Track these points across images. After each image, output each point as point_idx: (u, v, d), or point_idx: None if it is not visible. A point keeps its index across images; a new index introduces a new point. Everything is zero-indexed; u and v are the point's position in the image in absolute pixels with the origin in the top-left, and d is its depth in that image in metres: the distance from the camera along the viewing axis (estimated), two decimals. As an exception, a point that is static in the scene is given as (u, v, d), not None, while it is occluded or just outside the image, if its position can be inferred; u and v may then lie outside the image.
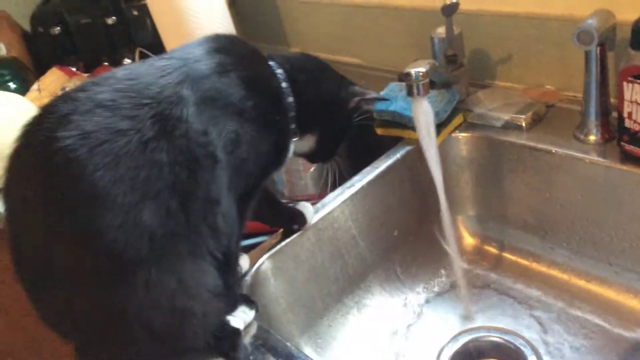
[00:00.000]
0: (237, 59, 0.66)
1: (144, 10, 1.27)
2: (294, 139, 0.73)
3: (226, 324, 0.65)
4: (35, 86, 1.27)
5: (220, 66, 0.63)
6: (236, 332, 0.66)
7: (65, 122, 0.53)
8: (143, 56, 1.28)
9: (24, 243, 0.57)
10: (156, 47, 1.29)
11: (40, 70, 1.35)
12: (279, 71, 0.70)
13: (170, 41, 1.15)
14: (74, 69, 1.36)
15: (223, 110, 0.61)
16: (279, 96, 0.69)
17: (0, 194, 0.58)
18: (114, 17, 1.31)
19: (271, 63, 0.71)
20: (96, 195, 0.51)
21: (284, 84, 0.69)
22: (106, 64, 1.36)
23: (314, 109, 0.72)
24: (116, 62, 1.34)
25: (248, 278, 0.76)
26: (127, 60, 1.32)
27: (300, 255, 0.82)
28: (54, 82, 1.29)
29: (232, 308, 0.67)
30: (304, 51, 1.32)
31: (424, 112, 0.74)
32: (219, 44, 0.67)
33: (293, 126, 0.71)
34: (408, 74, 0.73)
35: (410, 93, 0.74)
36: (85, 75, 1.32)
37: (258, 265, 0.77)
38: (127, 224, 0.52)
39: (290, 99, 0.69)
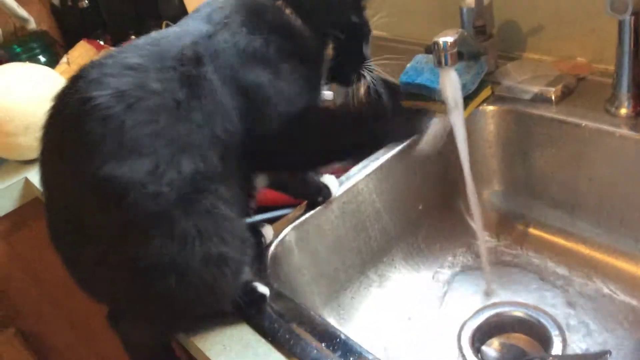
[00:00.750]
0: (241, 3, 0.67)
1: (171, -16, 1.28)
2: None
3: (254, 289, 0.66)
4: (64, 59, 1.29)
5: (227, 17, 0.65)
6: (263, 297, 0.67)
7: (97, 83, 0.55)
8: (169, 29, 1.28)
9: (56, 204, 0.60)
10: (180, 20, 1.29)
11: (69, 44, 1.36)
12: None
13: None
14: (101, 43, 1.38)
15: (237, 59, 0.63)
16: (286, 23, 0.68)
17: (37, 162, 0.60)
18: (142, -10, 1.32)
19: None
20: (136, 148, 0.54)
21: (287, 10, 0.68)
22: (133, 37, 1.37)
23: (324, 19, 0.70)
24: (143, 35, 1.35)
25: (272, 248, 0.77)
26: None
27: (323, 228, 0.83)
28: (82, 55, 1.30)
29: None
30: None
31: (451, 83, 0.73)
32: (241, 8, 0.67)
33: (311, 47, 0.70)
34: (436, 43, 0.72)
35: (438, 63, 0.73)
36: (113, 48, 1.33)
37: (282, 236, 0.78)
38: (167, 174, 0.55)
39: (299, 22, 0.68)
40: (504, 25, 0.97)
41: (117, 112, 0.54)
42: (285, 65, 0.66)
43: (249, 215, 0.71)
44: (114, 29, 1.38)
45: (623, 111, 0.79)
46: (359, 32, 0.74)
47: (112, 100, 0.55)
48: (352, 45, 0.73)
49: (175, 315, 0.63)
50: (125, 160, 0.54)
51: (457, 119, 0.75)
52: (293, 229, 0.79)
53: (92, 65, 0.59)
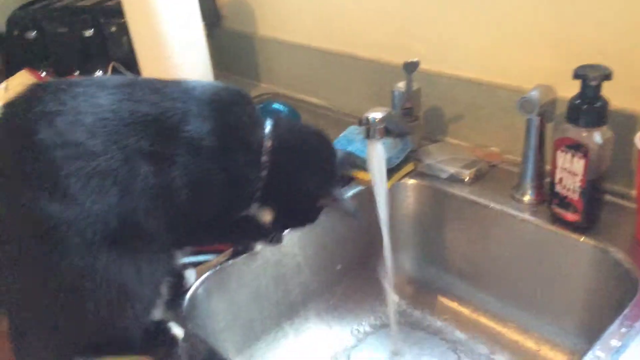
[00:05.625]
0: (214, 124, 0.67)
1: (122, 28, 1.31)
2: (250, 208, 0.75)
3: (167, 329, 0.68)
4: (2, 85, 1.28)
5: (193, 132, 0.65)
6: (175, 339, 0.68)
7: (48, 120, 0.58)
8: (116, 71, 1.31)
9: None
10: (130, 63, 1.32)
11: (10, 72, 1.36)
12: (267, 143, 0.71)
13: (145, 62, 1.19)
14: (43, 75, 1.38)
15: (183, 161, 0.64)
16: (248, 169, 0.70)
17: None
18: (91, 30, 1.34)
19: (266, 130, 0.72)
20: (68, 193, 0.58)
21: (264, 157, 0.71)
22: (77, 73, 1.39)
23: (281, 193, 0.73)
24: (87, 73, 1.36)
25: (191, 291, 0.78)
26: (98, 73, 1.35)
27: (244, 276, 0.85)
28: (21, 84, 1.29)
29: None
30: (273, 89, 1.38)
31: (377, 154, 0.80)
32: (205, 105, 0.68)
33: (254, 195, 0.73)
34: (366, 118, 0.79)
35: (366, 135, 0.80)
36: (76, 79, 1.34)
37: (202, 280, 0.80)
38: (94, 224, 0.59)
39: (264, 174, 0.71)
40: (429, 110, 1.06)
41: (58, 157, 0.57)
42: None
43: (177, 257, 0.74)
44: (59, 64, 1.39)
45: (526, 198, 0.88)
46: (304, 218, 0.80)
47: (56, 146, 0.58)
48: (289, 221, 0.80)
49: (80, 337, 0.64)
50: (57, 201, 0.57)
51: (380, 187, 0.81)
52: (214, 273, 0.82)
53: (53, 95, 0.61)
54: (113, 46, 1.34)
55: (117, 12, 1.30)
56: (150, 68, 1.20)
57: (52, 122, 0.58)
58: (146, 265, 0.63)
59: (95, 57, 1.38)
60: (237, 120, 0.70)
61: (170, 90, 0.67)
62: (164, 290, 0.69)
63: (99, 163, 0.59)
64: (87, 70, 1.38)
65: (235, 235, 0.78)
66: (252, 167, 0.70)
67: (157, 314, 0.69)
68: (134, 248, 0.62)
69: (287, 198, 0.74)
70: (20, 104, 0.61)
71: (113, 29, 1.32)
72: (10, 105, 0.61)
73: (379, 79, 1.12)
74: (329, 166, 0.77)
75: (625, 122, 0.82)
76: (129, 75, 1.28)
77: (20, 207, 0.58)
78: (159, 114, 0.64)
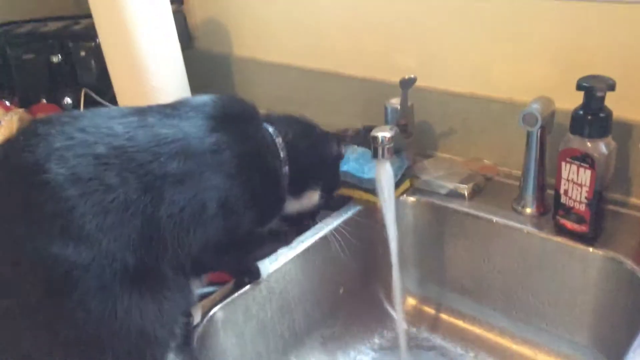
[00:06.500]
0: (235, 135, 0.68)
1: (92, 52, 1.26)
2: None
3: None
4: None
5: (217, 145, 0.65)
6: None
7: (56, 158, 0.54)
8: (88, 98, 1.25)
9: None
10: (100, 89, 1.27)
11: (-29, 101, 1.28)
12: (278, 140, 0.73)
13: (121, 85, 1.14)
14: (8, 103, 1.31)
15: (208, 184, 0.63)
16: (275, 170, 0.72)
17: None
18: (59, 56, 1.28)
19: (270, 130, 0.74)
20: (82, 235, 0.54)
21: (282, 154, 0.73)
22: (44, 101, 1.32)
23: (309, 172, 0.77)
24: (56, 101, 1.30)
25: (200, 329, 0.75)
26: (67, 100, 1.28)
27: (251, 309, 0.82)
28: (-15, 114, 1.23)
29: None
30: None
31: (386, 174, 0.78)
32: (220, 117, 0.68)
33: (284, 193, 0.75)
34: (375, 138, 0.77)
35: (375, 155, 0.78)
36: (21, 110, 1.27)
37: (209, 316, 0.77)
38: (111, 265, 0.55)
39: (286, 169, 0.73)
40: (421, 125, 1.06)
41: (71, 196, 0.53)
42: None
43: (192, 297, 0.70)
44: (24, 92, 1.32)
45: (528, 210, 0.88)
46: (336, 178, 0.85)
47: (67, 183, 0.54)
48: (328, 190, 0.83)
49: None
50: (70, 243, 0.53)
51: (389, 208, 0.80)
52: (221, 308, 0.78)
53: (52, 128, 0.57)
54: (83, 72, 1.28)
55: (87, 36, 1.25)
56: (126, 92, 1.15)
57: (62, 157, 0.54)
58: (167, 303, 0.59)
59: (62, 84, 1.32)
60: (253, 125, 0.72)
61: (180, 111, 0.66)
62: (178, 331, 0.65)
63: (116, 196, 0.55)
64: (55, 98, 1.31)
65: (260, 246, 0.77)
66: (279, 164, 0.73)
67: (172, 356, 0.65)
68: (155, 284, 0.58)
69: (316, 175, 0.79)
70: (22, 142, 0.56)
71: (82, 53, 1.26)
72: (10, 143, 0.57)
73: (368, 96, 1.11)
74: (321, 131, 0.82)
75: (620, 131, 0.83)
76: (104, 102, 1.23)
77: (28, 253, 0.53)
78: (180, 135, 0.62)
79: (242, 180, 0.66)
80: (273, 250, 0.81)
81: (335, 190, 0.85)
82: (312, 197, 0.78)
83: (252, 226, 0.70)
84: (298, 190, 0.77)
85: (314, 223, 0.90)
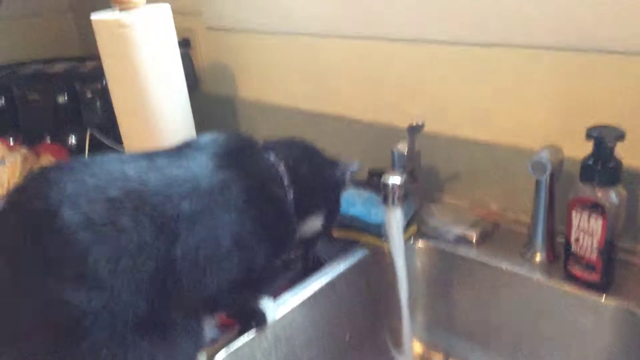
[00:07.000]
0: (239, 170, 0.69)
1: (98, 94, 1.27)
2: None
3: None
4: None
5: (223, 182, 0.66)
6: None
7: (70, 202, 0.54)
8: (94, 139, 1.25)
9: None
10: (105, 130, 1.27)
11: (-24, 140, 1.28)
12: (280, 167, 0.74)
13: (128, 127, 1.14)
14: (11, 142, 1.31)
15: (219, 222, 0.64)
16: (281, 200, 0.73)
17: None
18: (65, 96, 1.29)
19: (271, 158, 0.74)
20: (95, 280, 0.53)
21: (285, 180, 0.73)
22: (49, 141, 1.32)
23: (312, 196, 0.77)
24: (60, 141, 1.30)
25: (205, 378, 0.73)
26: (72, 140, 1.29)
27: (255, 355, 0.80)
28: (-12, 154, 1.23)
29: None
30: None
31: (397, 221, 0.78)
32: (223, 154, 0.69)
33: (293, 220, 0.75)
34: (385, 185, 0.77)
35: (385, 202, 0.78)
36: (25, 149, 1.27)
37: (216, 365, 0.75)
38: (123, 311, 0.54)
39: (291, 195, 0.73)
40: (426, 170, 1.06)
41: (84, 240, 0.53)
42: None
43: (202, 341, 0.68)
44: (29, 131, 1.32)
45: (538, 258, 0.87)
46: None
47: (81, 227, 0.53)
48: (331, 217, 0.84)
49: None
50: (82, 289, 0.53)
51: (399, 254, 0.79)
52: (228, 356, 0.76)
53: (64, 174, 0.57)
54: (88, 112, 1.28)
55: (94, 78, 1.26)
56: (133, 133, 1.15)
57: (75, 202, 0.54)
58: (178, 350, 0.58)
59: (67, 124, 1.32)
60: (254, 157, 0.74)
61: (187, 152, 0.68)
62: None
63: (130, 240, 0.55)
64: (60, 137, 1.32)
65: (273, 280, 0.79)
66: (283, 193, 0.73)
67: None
68: (166, 330, 0.57)
69: (320, 201, 0.80)
70: (33, 188, 0.55)
71: (89, 95, 1.27)
72: (22, 189, 0.56)
73: (373, 139, 1.12)
74: (324, 155, 0.84)
75: (629, 178, 0.83)
76: (110, 143, 1.23)
77: (40, 298, 0.52)
78: (190, 176, 0.63)
79: (251, 214, 0.67)
80: (284, 280, 0.83)
81: (336, 216, 0.85)
82: (315, 223, 0.79)
83: (266, 260, 0.70)
84: (301, 215, 0.77)
85: (317, 254, 0.89)
